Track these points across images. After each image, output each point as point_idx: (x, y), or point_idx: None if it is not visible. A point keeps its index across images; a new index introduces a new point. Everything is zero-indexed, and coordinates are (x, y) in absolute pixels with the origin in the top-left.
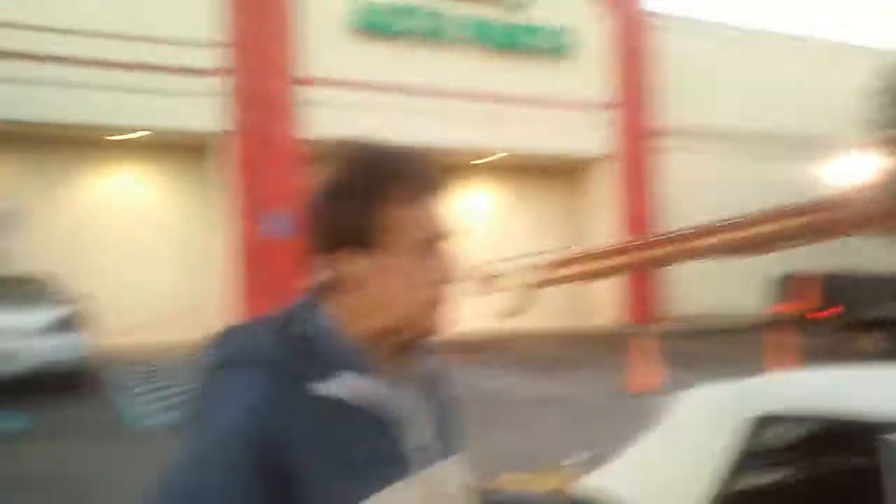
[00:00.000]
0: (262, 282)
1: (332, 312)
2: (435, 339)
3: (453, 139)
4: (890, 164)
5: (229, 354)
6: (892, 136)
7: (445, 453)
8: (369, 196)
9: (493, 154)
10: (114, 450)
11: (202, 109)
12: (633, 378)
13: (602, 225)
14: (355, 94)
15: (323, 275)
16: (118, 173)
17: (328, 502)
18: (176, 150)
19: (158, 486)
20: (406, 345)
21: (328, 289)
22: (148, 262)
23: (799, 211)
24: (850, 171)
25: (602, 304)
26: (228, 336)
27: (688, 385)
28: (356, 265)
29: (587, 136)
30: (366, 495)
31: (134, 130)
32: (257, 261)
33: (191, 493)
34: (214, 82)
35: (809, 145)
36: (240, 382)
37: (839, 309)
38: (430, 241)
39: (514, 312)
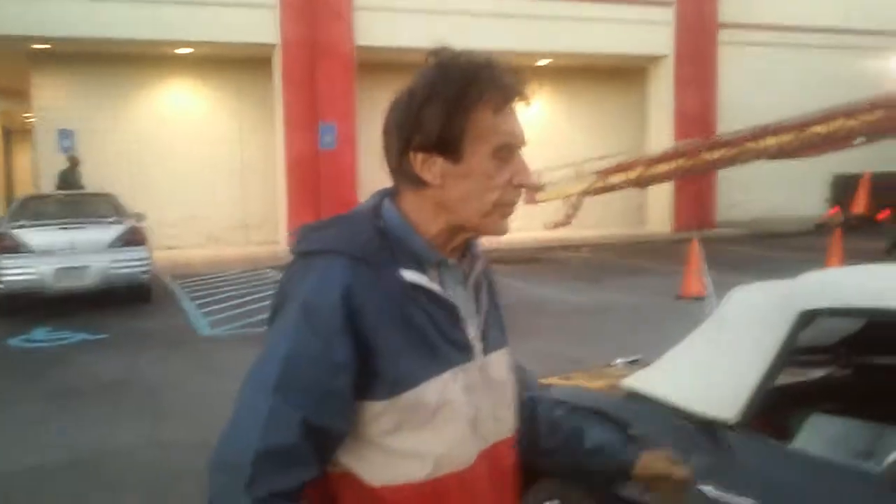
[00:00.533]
0: (317, 193)
1: (408, 209)
2: (491, 243)
3: (511, 41)
4: None
5: (316, 245)
6: None
7: (497, 345)
8: (456, 102)
9: (551, 57)
10: (183, 358)
11: (257, 21)
12: (686, 283)
13: (662, 128)
14: (408, 1)
15: (403, 174)
16: (176, 89)
17: (402, 374)
18: (233, 63)
19: (257, 356)
20: (468, 244)
21: (407, 187)
22: (206, 176)
23: (861, 109)
24: None
25: (657, 210)
26: (314, 229)
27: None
28: (437, 166)
29: (648, 33)
30: (435, 373)
31: (190, 45)
32: (313, 172)
33: (292, 360)
34: None
35: (879, 38)
36: (329, 266)
37: (889, 211)
38: (509, 149)
39: (564, 221)
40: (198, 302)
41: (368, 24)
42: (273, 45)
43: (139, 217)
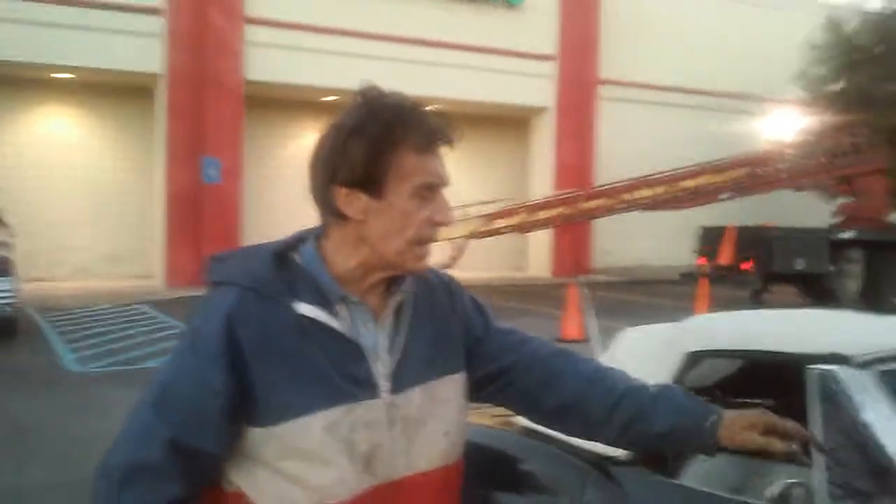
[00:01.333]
0: (199, 227)
1: (325, 244)
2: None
3: (397, 86)
4: (819, 122)
5: (215, 276)
6: (824, 93)
7: (419, 380)
8: (382, 140)
9: (436, 103)
10: (49, 396)
11: (142, 49)
12: (565, 326)
13: (541, 177)
14: (301, 37)
15: (326, 207)
16: (54, 115)
17: (282, 404)
18: (115, 91)
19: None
20: (387, 280)
21: (330, 221)
22: (78, 205)
23: (726, 166)
24: (782, 127)
25: (537, 255)
26: (217, 260)
27: (617, 332)
28: (360, 201)
29: (530, 86)
30: (323, 406)
31: (70, 70)
32: (195, 205)
33: (170, 381)
34: (155, 21)
35: (744, 101)
36: (220, 296)
37: (755, 262)
38: (430, 188)
39: (448, 263)
40: (66, 337)
41: (259, 58)
42: (157, 75)
43: (4, 246)
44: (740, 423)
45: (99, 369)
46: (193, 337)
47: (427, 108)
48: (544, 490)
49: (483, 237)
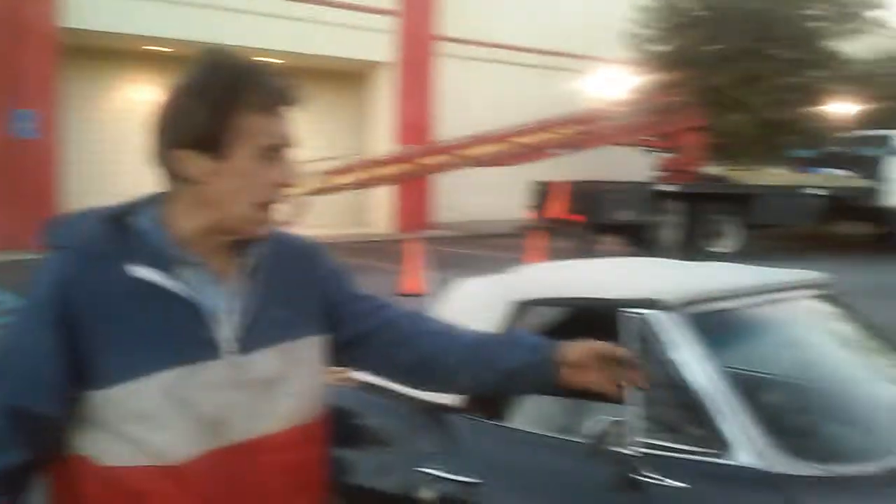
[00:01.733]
0: (11, 184)
1: (168, 207)
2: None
3: (232, 38)
4: (647, 82)
5: (50, 239)
6: (650, 54)
7: (268, 342)
8: (224, 100)
9: (272, 56)
10: None
11: None
12: (404, 281)
13: (381, 133)
14: None
15: (167, 170)
16: None
17: (118, 367)
18: None
19: None
20: (233, 243)
21: (171, 183)
22: None
23: (559, 124)
24: (612, 86)
25: (378, 211)
26: (57, 223)
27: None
28: (201, 163)
29: (369, 41)
30: (161, 368)
31: None
32: (4, 162)
33: (6, 347)
34: None
35: (577, 60)
36: (56, 261)
37: (585, 215)
38: (274, 149)
39: (289, 221)
40: None
41: (77, 4)
42: None
43: None
44: (577, 357)
45: None
46: (29, 302)
47: (268, 67)
48: (378, 441)
49: (324, 194)
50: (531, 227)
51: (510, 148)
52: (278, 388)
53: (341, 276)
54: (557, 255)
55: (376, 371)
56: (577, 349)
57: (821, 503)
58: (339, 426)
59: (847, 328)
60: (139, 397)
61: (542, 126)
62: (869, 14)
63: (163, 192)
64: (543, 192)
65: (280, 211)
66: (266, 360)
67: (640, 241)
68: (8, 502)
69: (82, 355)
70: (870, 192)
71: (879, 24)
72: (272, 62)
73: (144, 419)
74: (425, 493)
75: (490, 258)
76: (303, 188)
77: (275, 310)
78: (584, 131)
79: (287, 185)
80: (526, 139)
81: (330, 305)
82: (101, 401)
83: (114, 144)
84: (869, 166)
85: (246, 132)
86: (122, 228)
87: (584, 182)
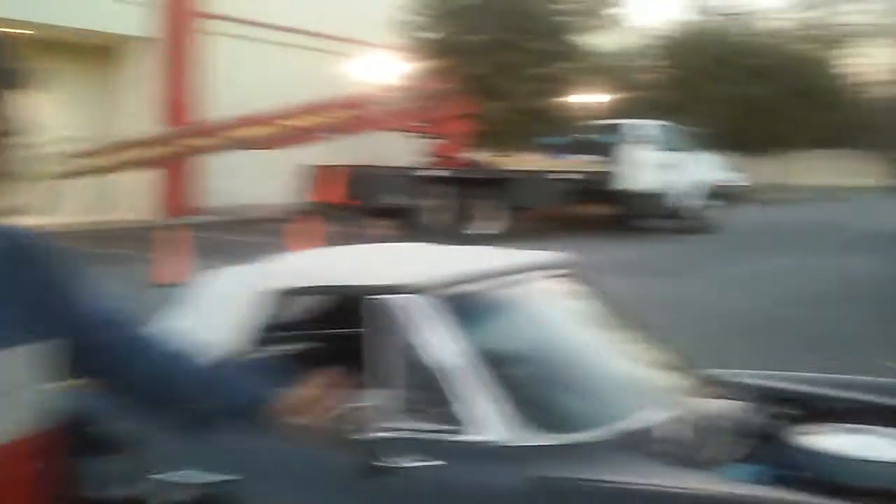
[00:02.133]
0: None
1: None
2: None
3: None
4: (416, 69)
5: None
6: (420, 40)
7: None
8: None
9: (16, 27)
10: None
11: None
12: (160, 270)
13: (136, 112)
14: None
15: None
16: None
17: None
18: None
19: None
20: None
21: None
22: None
23: (329, 107)
24: (382, 71)
25: (132, 196)
26: None
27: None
28: None
29: (124, 14)
30: None
31: None
32: None
33: None
34: None
35: (348, 44)
36: None
37: (356, 199)
38: None
39: (31, 210)
40: None
41: None
42: None
43: None
44: (295, 400)
45: None
46: None
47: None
48: (117, 448)
49: (71, 178)
50: (301, 212)
51: (279, 130)
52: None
53: (73, 282)
54: (328, 240)
55: (102, 386)
56: (296, 397)
57: (558, 470)
58: (75, 433)
59: (587, 306)
60: None
61: (312, 109)
62: (607, 11)
63: None
64: (314, 176)
65: (13, 198)
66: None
67: (408, 224)
68: None
69: None
70: (609, 177)
71: (617, 21)
72: (19, 33)
73: None
74: (169, 498)
75: (258, 244)
76: (48, 173)
77: (9, 309)
78: (353, 115)
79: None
80: (295, 122)
81: (58, 313)
82: None
83: None
84: (606, 152)
85: None
86: None
87: (356, 166)
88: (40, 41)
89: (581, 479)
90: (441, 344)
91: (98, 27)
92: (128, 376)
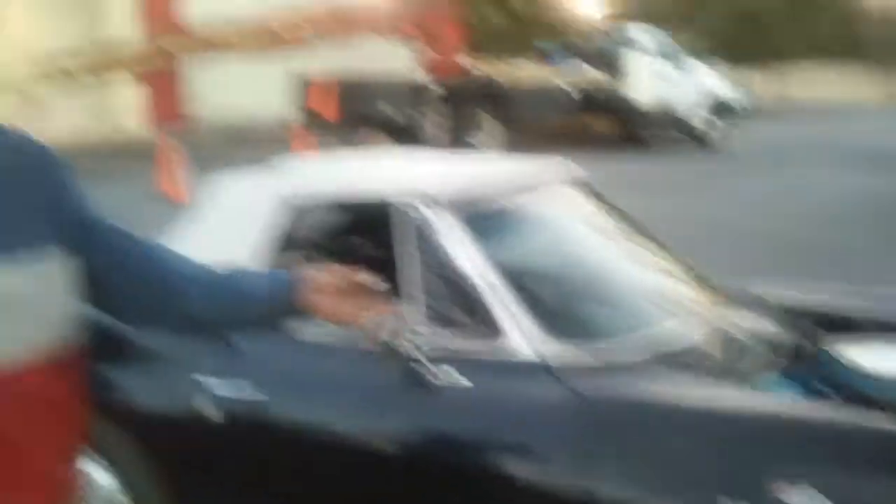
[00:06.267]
0: None
1: None
2: None
3: None
4: None
5: None
6: None
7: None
8: None
9: None
10: None
11: None
12: (162, 183)
13: (119, 17)
14: None
15: None
16: None
17: None
18: None
19: None
20: None
21: None
22: None
23: (318, 10)
24: None
25: (124, 108)
26: None
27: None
28: None
29: None
30: None
31: None
32: None
33: None
34: None
35: None
36: None
37: (352, 111)
38: None
39: (20, 119)
40: None
41: None
42: None
43: None
44: (318, 284)
45: None
46: None
47: None
48: (153, 359)
49: (59, 87)
50: (296, 124)
51: (267, 35)
52: (16, 306)
53: (80, 194)
54: (322, 150)
55: (110, 309)
56: (324, 275)
57: (595, 386)
58: (109, 343)
59: (605, 217)
60: None
61: (299, 13)
62: None
63: None
64: (307, 87)
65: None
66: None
67: (402, 137)
68: None
69: None
70: (612, 87)
71: None
72: None
73: None
74: (210, 412)
75: (252, 157)
76: (31, 78)
77: (4, 215)
78: (339, 19)
79: None
80: (282, 27)
81: (69, 226)
82: None
83: None
84: (610, 61)
85: None
86: None
87: (350, 77)
88: None
89: (619, 394)
90: (467, 256)
91: None
92: (154, 287)
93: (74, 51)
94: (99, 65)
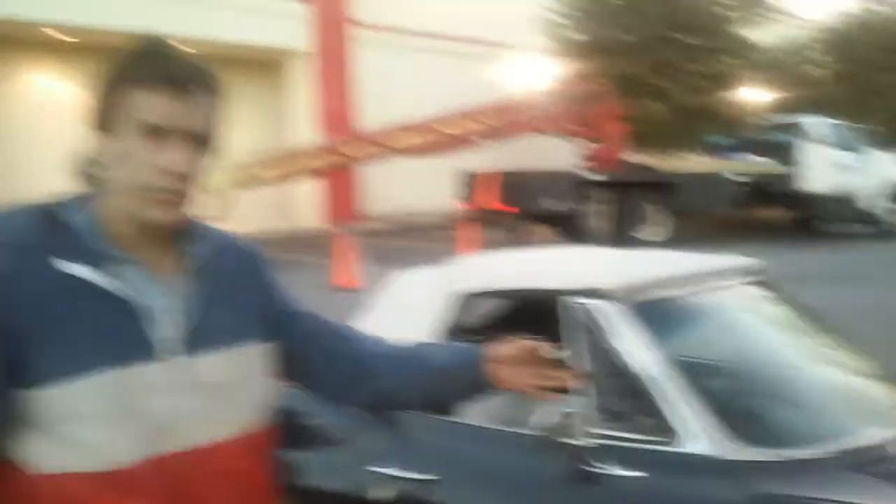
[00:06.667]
0: None
1: (103, 202)
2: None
3: (137, 24)
4: (566, 70)
5: None
6: (568, 42)
7: (217, 346)
8: (115, 75)
9: (181, 43)
10: None
11: None
12: (337, 274)
13: (301, 124)
14: None
15: (90, 158)
16: None
17: (49, 366)
18: None
19: None
20: (167, 238)
21: (96, 174)
22: None
23: (486, 112)
24: (534, 75)
25: (303, 205)
26: None
27: (388, 277)
28: (101, 145)
29: (284, 28)
30: (95, 368)
31: None
32: None
33: None
34: None
35: (497, 48)
36: None
37: (515, 205)
38: (161, 132)
39: (217, 217)
40: None
41: None
42: None
43: None
44: (501, 355)
45: None
46: None
47: (176, 49)
48: (328, 441)
49: (247, 188)
50: (462, 218)
51: (435, 137)
52: (226, 393)
53: (280, 286)
54: (490, 245)
55: (309, 386)
56: (507, 346)
57: (779, 488)
58: (288, 427)
59: (783, 312)
60: (75, 399)
61: (465, 115)
62: (767, 2)
63: (90, 183)
64: (472, 182)
65: (204, 205)
66: (214, 364)
67: (568, 230)
68: None
69: (16, 355)
70: (786, 178)
71: (781, 12)
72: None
73: (82, 421)
74: (379, 493)
75: (421, 250)
76: (227, 182)
77: (220, 312)
78: (507, 120)
79: (170, 173)
80: (450, 128)
81: (271, 315)
82: (36, 402)
83: (11, 138)
84: (783, 152)
85: (128, 108)
86: (52, 223)
87: (513, 171)
88: (205, 58)
89: (806, 498)
90: (641, 350)
91: (260, 42)
92: (346, 364)
93: (262, 155)
94: (283, 167)
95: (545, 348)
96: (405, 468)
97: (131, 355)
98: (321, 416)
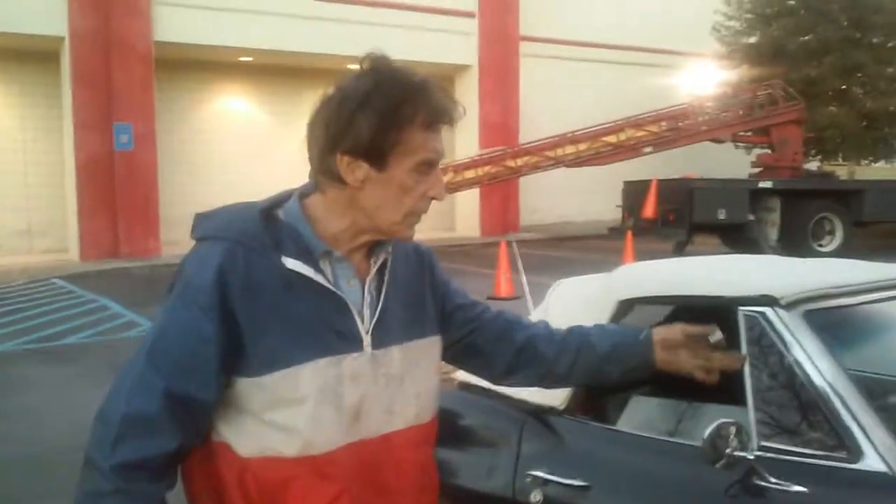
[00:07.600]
0: (112, 196)
1: (316, 204)
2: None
3: (315, 46)
4: (735, 75)
5: (200, 231)
6: (739, 46)
7: (398, 339)
8: (391, 116)
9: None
10: None
11: (42, 10)
12: (498, 285)
13: (467, 135)
14: None
15: (324, 170)
16: None
17: (271, 355)
18: (17, 57)
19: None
20: (372, 242)
21: (325, 183)
22: None
23: (647, 121)
24: (700, 80)
25: (464, 215)
26: (204, 217)
27: (548, 287)
28: (361, 171)
29: (453, 44)
30: (311, 357)
31: None
32: (107, 174)
33: (164, 333)
34: None
35: (662, 55)
36: (209, 249)
37: (679, 215)
38: (430, 164)
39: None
40: None
41: (168, 18)
42: (61, 38)
43: None
44: (669, 337)
45: (18, 346)
46: (185, 289)
47: (436, 84)
48: (483, 443)
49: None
50: (623, 228)
51: (598, 147)
52: (403, 385)
53: (450, 281)
54: (653, 256)
55: (475, 369)
56: (673, 329)
57: None
58: (443, 426)
59: None
60: (291, 386)
61: (631, 124)
62: None
63: (303, 187)
64: (635, 192)
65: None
66: (394, 357)
67: (736, 239)
68: (157, 489)
69: (237, 343)
70: None
71: None
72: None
73: (293, 408)
74: (534, 497)
75: (579, 260)
76: None
77: (397, 309)
78: (675, 128)
79: (436, 199)
80: (614, 138)
81: (442, 309)
82: (252, 388)
83: (207, 152)
84: None
85: (408, 147)
86: (273, 223)
87: (678, 180)
88: None
89: None
90: (816, 361)
91: (430, 59)
92: (511, 348)
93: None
94: (448, 180)
95: (709, 332)
96: (559, 473)
97: (340, 346)
98: (473, 416)
